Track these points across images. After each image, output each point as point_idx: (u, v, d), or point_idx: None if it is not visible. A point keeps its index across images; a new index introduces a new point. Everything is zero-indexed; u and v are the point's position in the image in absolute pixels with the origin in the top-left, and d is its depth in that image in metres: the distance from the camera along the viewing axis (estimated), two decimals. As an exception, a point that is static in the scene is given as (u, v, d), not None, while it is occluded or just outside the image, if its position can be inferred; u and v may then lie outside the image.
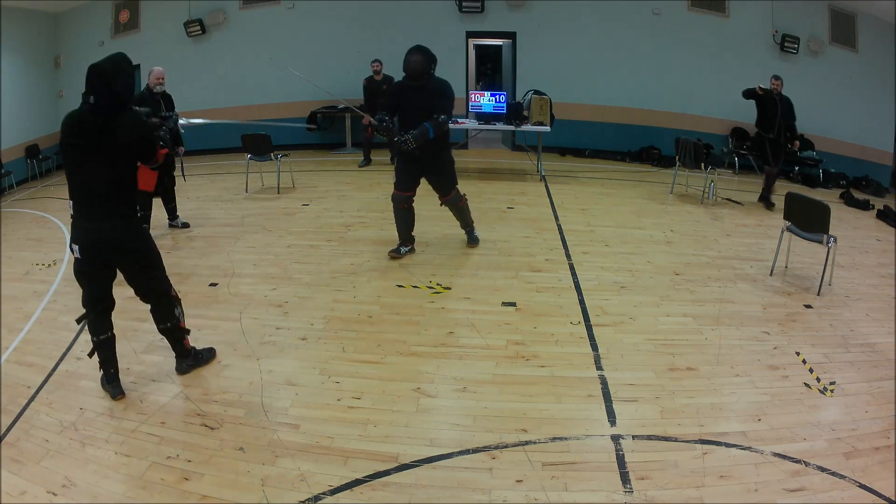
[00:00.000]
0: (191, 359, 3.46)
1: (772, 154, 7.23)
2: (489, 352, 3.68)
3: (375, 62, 8.73)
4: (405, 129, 4.71)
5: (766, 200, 7.33)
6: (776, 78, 7.05)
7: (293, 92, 10.09)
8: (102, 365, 3.19)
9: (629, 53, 9.75)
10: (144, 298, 3.25)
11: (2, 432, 2.92)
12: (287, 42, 10.03)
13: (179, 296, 3.38)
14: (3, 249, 5.64)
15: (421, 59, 4.59)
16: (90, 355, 3.22)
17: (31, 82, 9.55)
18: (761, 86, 7.04)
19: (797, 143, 7.41)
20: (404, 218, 5.12)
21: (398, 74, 4.99)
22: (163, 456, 2.74)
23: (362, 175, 8.48)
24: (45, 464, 2.69)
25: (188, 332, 3.44)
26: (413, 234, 5.25)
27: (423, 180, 5.04)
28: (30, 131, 9.44)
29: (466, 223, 5.43)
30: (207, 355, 3.56)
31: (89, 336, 3.18)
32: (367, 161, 9.06)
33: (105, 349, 3.17)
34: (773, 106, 7.00)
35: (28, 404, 3.15)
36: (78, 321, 3.25)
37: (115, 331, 3.22)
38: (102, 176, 2.89)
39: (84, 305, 3.14)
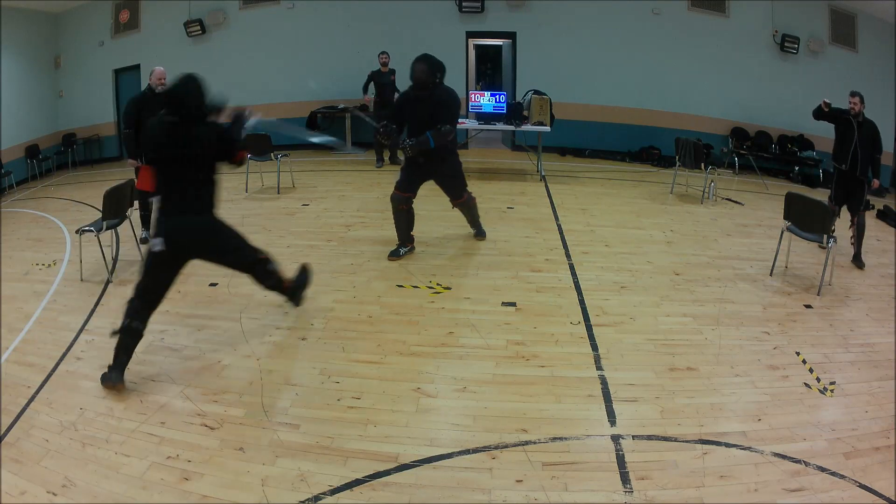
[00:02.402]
0: (299, 290, 3.93)
1: (835, 190, 5.65)
2: (489, 352, 3.68)
3: (383, 54, 8.73)
4: (411, 137, 4.74)
5: (856, 259, 5.47)
6: (853, 94, 5.37)
7: (293, 92, 10.11)
8: (117, 350, 3.23)
9: (629, 53, 9.75)
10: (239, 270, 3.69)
11: (2, 432, 2.92)
12: (287, 42, 10.03)
13: (267, 254, 3.69)
14: (3, 249, 5.64)
15: (425, 68, 4.59)
16: (113, 334, 3.26)
17: (31, 82, 9.55)
18: (826, 100, 5.56)
19: (877, 182, 5.61)
20: (403, 219, 5.12)
21: (401, 69, 4.99)
22: (163, 456, 2.74)
23: (362, 175, 8.48)
24: (45, 464, 2.69)
25: (285, 281, 3.79)
26: (412, 233, 5.26)
27: (430, 184, 5.06)
28: (30, 131, 9.44)
29: (475, 220, 5.50)
30: (305, 278, 4.03)
31: (123, 320, 3.25)
32: (382, 161, 9.02)
33: (132, 336, 3.25)
34: (848, 130, 5.43)
35: (28, 404, 3.15)
36: (113, 334, 3.28)
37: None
38: (191, 177, 3.26)
39: (136, 291, 3.29)
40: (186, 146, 3.18)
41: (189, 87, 3.23)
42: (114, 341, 3.26)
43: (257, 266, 3.65)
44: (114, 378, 3.19)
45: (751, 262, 5.32)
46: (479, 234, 5.58)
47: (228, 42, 10.03)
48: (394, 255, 5.14)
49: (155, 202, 3.36)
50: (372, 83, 8.84)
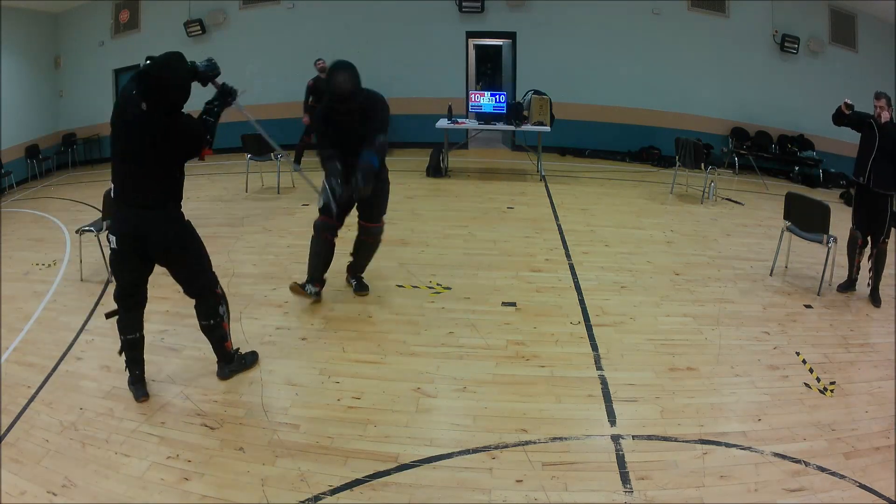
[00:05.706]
0: (235, 363, 3.38)
1: (856, 212, 4.71)
2: (489, 352, 3.68)
3: (320, 60, 8.11)
4: (344, 155, 4.01)
5: (872, 294, 4.63)
6: (878, 97, 4.45)
7: (293, 91, 10.10)
8: (128, 365, 3.18)
9: (629, 53, 9.76)
10: (187, 292, 3.20)
11: (2, 432, 2.92)
12: (287, 42, 10.03)
13: (225, 295, 3.29)
14: (3, 249, 5.64)
15: (349, 76, 3.85)
16: (119, 353, 3.18)
17: (31, 82, 9.55)
18: (848, 101, 4.58)
19: None
20: (325, 251, 4.26)
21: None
22: (163, 456, 2.74)
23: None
24: (45, 464, 2.69)
25: (228, 337, 3.33)
26: (326, 276, 4.35)
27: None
28: (30, 131, 9.44)
29: (363, 266, 4.58)
30: (251, 359, 3.49)
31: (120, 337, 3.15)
32: (298, 164, 8.31)
33: (132, 349, 3.16)
34: (870, 138, 4.49)
35: (28, 404, 3.15)
36: (107, 316, 3.19)
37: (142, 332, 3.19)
38: (154, 170, 2.91)
39: (115, 300, 3.11)
40: (155, 139, 2.85)
41: (173, 71, 2.85)
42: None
43: (210, 298, 3.20)
44: (136, 394, 3.17)
45: (751, 262, 5.32)
46: (361, 288, 4.51)
47: (228, 42, 10.02)
48: (299, 288, 4.20)
49: (111, 195, 3.04)
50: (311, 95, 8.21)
